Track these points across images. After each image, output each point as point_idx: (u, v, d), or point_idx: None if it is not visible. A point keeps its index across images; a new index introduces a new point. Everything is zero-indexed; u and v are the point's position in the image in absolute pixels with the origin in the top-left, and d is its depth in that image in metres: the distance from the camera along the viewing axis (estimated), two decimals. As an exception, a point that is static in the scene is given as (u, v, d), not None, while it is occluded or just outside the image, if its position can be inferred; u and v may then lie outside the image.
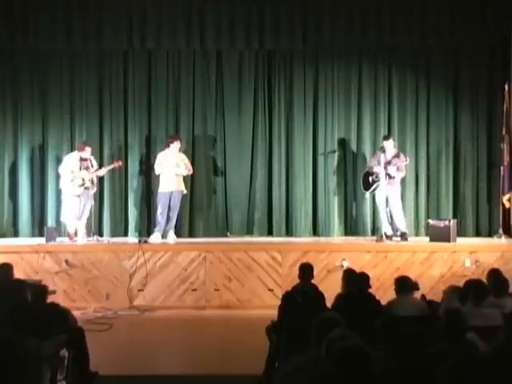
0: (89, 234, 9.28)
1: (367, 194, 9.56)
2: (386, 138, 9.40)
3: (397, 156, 9.21)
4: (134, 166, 10.17)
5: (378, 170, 9.05)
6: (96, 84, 10.20)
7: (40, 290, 5.55)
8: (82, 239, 9.15)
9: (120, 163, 9.67)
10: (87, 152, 9.31)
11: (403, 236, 9.18)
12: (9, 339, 3.23)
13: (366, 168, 9.52)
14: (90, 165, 9.31)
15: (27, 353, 4.01)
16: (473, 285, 5.21)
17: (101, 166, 9.65)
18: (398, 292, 5.58)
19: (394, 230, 9.25)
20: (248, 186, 10.24)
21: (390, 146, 9.28)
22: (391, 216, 9.24)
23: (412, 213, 10.09)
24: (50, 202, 10.04)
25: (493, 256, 8.54)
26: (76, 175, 9.14)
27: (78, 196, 9.17)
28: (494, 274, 5.69)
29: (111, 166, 9.59)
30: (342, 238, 10.01)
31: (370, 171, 9.26)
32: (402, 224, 9.27)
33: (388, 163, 9.07)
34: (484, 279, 5.57)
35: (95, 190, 9.45)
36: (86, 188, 9.18)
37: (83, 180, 9.16)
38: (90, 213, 9.35)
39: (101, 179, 9.79)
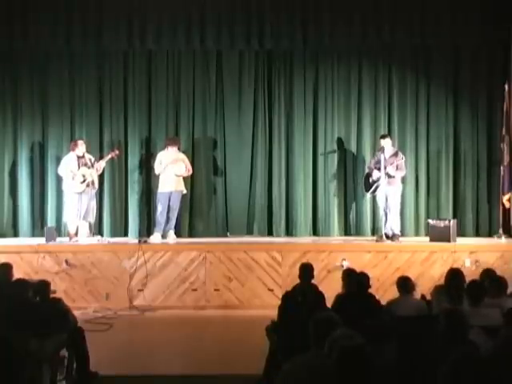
0: (91, 233, 9.27)
1: (368, 195, 9.56)
2: (384, 137, 9.40)
3: (395, 155, 9.22)
4: (133, 167, 10.18)
5: (378, 173, 9.03)
6: (96, 84, 10.20)
7: (43, 285, 5.54)
8: (83, 238, 9.13)
9: (117, 152, 9.64)
10: (82, 148, 9.27)
11: (394, 237, 9.10)
12: (9, 339, 3.23)
13: (366, 169, 9.53)
14: (87, 161, 9.29)
15: (27, 353, 4.02)
16: (470, 285, 5.21)
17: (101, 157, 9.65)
18: (401, 292, 5.60)
19: (388, 229, 9.20)
20: (248, 186, 10.23)
21: (388, 145, 9.28)
22: (386, 215, 9.21)
23: (412, 213, 10.11)
24: (50, 202, 10.04)
25: (493, 256, 8.55)
26: (76, 173, 9.14)
27: (81, 193, 9.14)
28: (488, 274, 5.69)
29: (109, 156, 9.55)
30: (342, 237, 9.99)
31: (370, 172, 9.27)
32: (396, 225, 9.21)
33: (387, 162, 9.07)
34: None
35: (96, 190, 9.44)
36: (88, 185, 9.15)
37: (84, 176, 9.15)
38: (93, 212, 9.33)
39: (101, 179, 9.77)
